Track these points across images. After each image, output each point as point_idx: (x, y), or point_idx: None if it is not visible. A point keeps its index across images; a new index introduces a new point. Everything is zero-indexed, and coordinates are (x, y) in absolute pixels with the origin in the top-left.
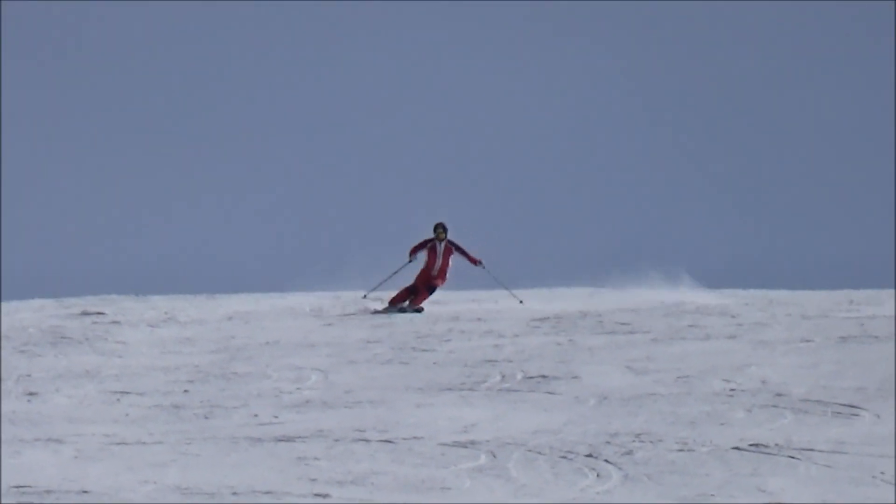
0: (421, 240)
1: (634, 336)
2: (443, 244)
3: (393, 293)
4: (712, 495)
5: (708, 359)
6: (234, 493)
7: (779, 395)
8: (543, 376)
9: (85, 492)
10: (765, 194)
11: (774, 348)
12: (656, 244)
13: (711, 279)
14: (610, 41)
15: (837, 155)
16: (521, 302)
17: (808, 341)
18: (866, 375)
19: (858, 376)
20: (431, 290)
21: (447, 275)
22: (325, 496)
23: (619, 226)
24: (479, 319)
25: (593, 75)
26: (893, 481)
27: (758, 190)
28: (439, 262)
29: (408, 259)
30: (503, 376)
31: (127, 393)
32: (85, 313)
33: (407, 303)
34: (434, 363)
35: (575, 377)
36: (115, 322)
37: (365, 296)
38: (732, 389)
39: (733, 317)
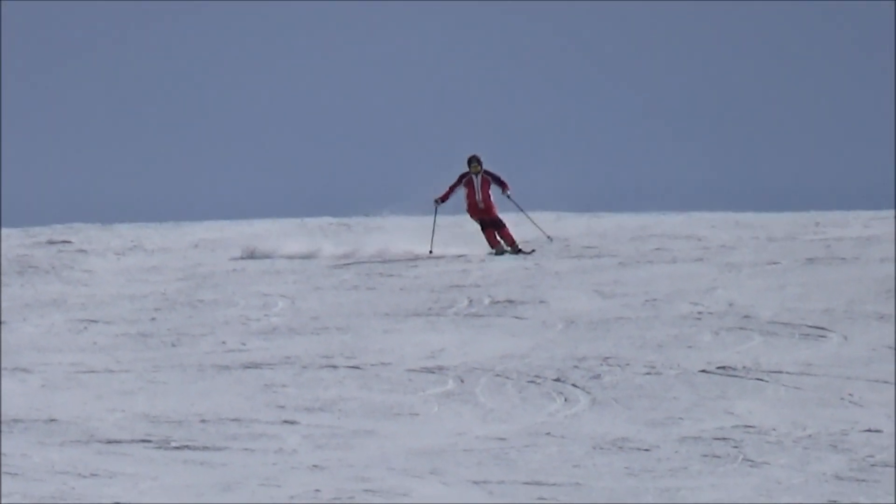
0: (455, 178)
1: (601, 260)
2: (479, 177)
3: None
4: (680, 418)
5: (675, 282)
6: (202, 421)
7: (746, 317)
8: (510, 301)
9: (53, 420)
10: (732, 117)
11: (741, 271)
12: (624, 167)
13: (678, 202)
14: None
15: (804, 79)
16: (549, 238)
17: (774, 263)
18: (833, 297)
19: (825, 298)
20: (500, 223)
21: (493, 204)
22: (294, 422)
23: (587, 148)
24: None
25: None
26: (861, 402)
27: (725, 112)
28: (479, 195)
29: (434, 206)
30: (470, 301)
31: (94, 321)
32: (51, 242)
33: (506, 247)
34: (401, 289)
35: (542, 301)
36: (81, 251)
37: (431, 251)
38: (700, 312)
39: (699, 240)
